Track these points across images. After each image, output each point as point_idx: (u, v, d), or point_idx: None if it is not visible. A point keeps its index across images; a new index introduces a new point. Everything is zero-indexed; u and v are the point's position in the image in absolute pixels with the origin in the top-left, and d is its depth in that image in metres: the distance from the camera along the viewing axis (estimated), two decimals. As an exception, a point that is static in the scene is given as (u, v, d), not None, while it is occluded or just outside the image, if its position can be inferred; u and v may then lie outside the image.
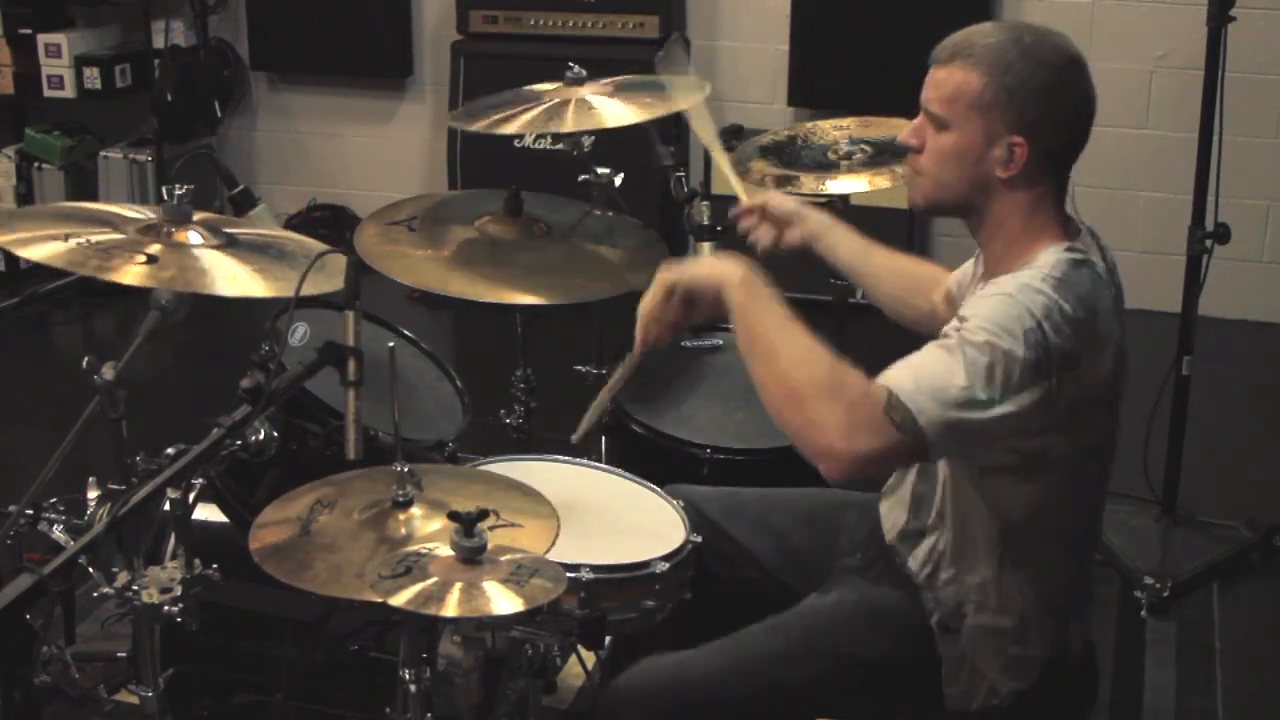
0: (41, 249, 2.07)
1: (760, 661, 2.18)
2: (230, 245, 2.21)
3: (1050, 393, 1.95)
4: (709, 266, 2.17)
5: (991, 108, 2.03)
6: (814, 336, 2.03)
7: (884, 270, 2.52)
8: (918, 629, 2.15)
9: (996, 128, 2.03)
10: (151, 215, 2.26)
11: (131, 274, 2.05)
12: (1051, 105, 2.03)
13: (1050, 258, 2.03)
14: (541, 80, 2.96)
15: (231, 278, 2.12)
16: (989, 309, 1.96)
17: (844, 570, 2.30)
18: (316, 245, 2.28)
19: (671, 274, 2.17)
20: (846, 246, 2.53)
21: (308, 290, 2.01)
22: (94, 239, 2.11)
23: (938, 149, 2.09)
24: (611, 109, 2.79)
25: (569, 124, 2.76)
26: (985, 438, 1.97)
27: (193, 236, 2.20)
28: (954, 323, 1.98)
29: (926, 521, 2.18)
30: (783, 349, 2.02)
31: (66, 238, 2.08)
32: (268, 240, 2.30)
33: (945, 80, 2.06)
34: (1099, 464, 2.14)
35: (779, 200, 2.55)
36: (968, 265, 2.33)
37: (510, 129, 2.77)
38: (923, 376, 1.94)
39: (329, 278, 2.10)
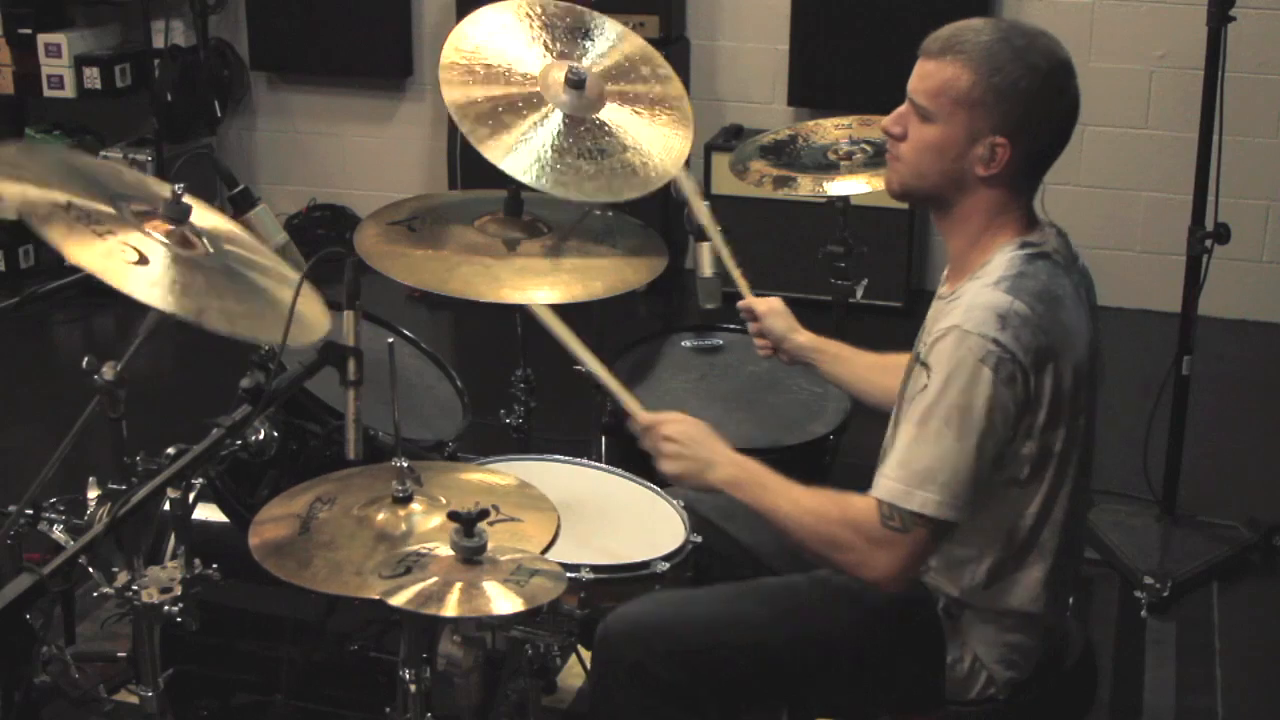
0: (22, 190, 1.91)
1: (769, 614, 2.19)
2: (199, 263, 2.04)
3: (1030, 394, 2.00)
4: (699, 475, 2.23)
5: (978, 106, 2.04)
6: (798, 492, 2.13)
7: (868, 372, 2.57)
8: (926, 614, 2.16)
9: (980, 126, 2.05)
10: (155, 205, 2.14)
11: (133, 277, 1.94)
12: (1038, 109, 2.05)
13: (1003, 258, 2.07)
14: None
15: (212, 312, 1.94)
16: (945, 356, 1.99)
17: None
18: (282, 278, 2.20)
19: (670, 473, 2.26)
20: (833, 363, 2.60)
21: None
22: (79, 202, 1.95)
23: (919, 139, 2.10)
24: (539, 163, 2.68)
25: (492, 150, 2.68)
26: (992, 469, 2.02)
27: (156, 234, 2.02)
28: (921, 379, 2.02)
29: None
30: (785, 523, 2.13)
31: (69, 208, 1.96)
32: (250, 260, 2.18)
33: (934, 73, 2.08)
34: (1083, 452, 2.14)
35: (771, 322, 2.64)
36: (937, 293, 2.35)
37: (454, 95, 2.70)
38: (909, 471, 2.01)
39: (306, 328, 2.05)
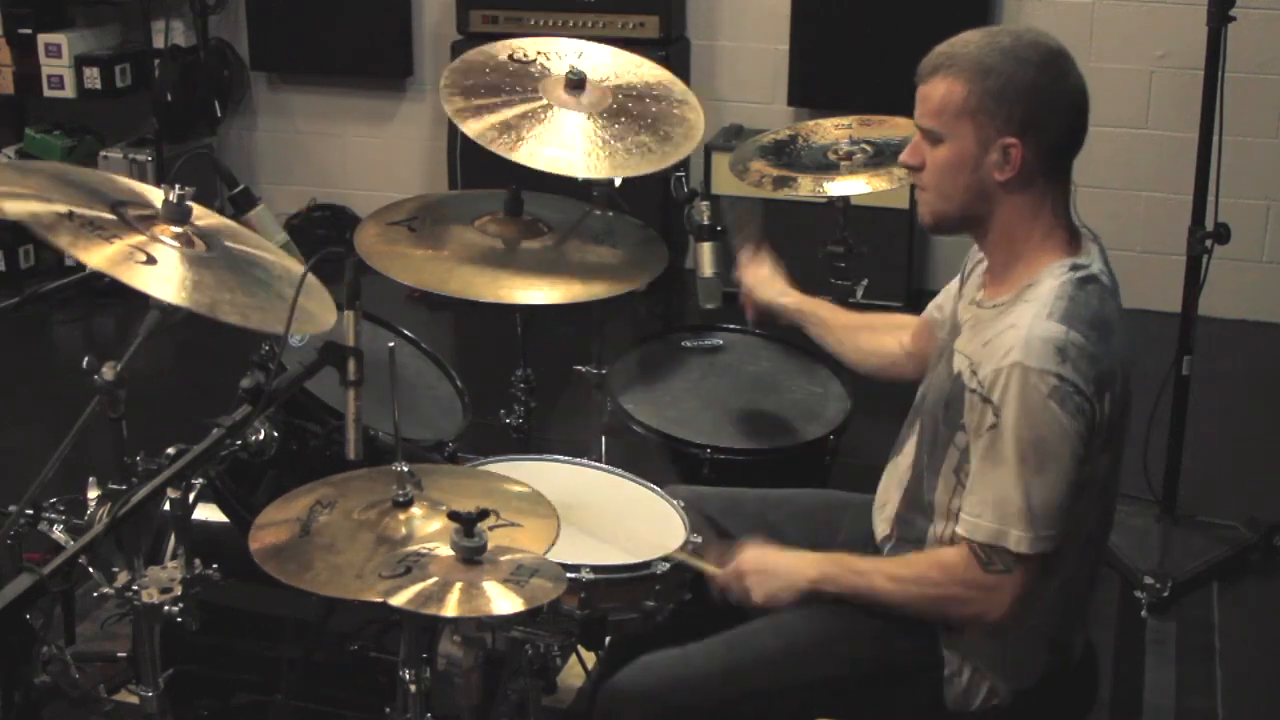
0: (36, 210, 1.94)
1: (762, 662, 2.18)
2: (206, 260, 2.07)
3: (1095, 422, 1.99)
4: (788, 587, 2.19)
5: (979, 113, 2.04)
6: (893, 568, 2.13)
7: (864, 348, 2.59)
8: (921, 629, 2.15)
9: (988, 132, 2.04)
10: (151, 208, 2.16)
11: (98, 256, 1.91)
12: (1039, 101, 2.04)
13: (1053, 283, 2.04)
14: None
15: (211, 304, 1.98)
16: (1013, 395, 1.98)
17: None
18: (287, 265, 2.22)
19: (759, 601, 2.20)
20: (817, 326, 2.64)
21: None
22: (79, 211, 1.99)
23: (935, 163, 2.10)
24: (573, 146, 2.72)
25: (521, 152, 2.69)
26: (1075, 499, 2.02)
27: (167, 238, 2.04)
28: (988, 416, 2.00)
29: (928, 532, 2.18)
30: (890, 602, 2.13)
31: (71, 215, 1.98)
32: (251, 256, 2.19)
33: (931, 94, 2.08)
34: (1115, 474, 2.15)
35: (759, 294, 2.69)
36: (951, 286, 2.34)
37: (471, 127, 2.72)
38: (999, 512, 2.00)
39: (310, 320, 2.06)
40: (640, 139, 2.77)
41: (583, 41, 2.96)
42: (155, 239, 2.01)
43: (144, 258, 1.96)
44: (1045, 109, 2.04)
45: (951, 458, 2.10)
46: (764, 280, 2.68)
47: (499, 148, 2.69)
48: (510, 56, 2.90)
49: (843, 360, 2.63)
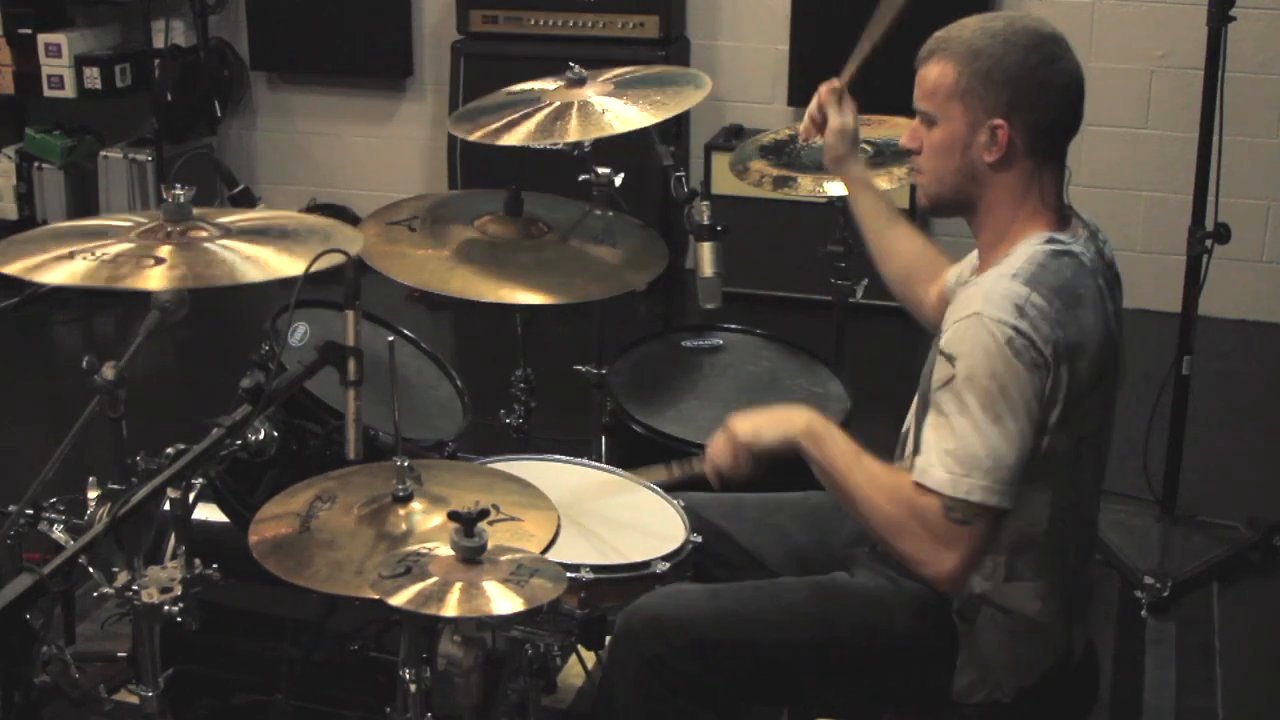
0: (55, 272, 2.02)
1: (790, 613, 2.19)
2: (232, 235, 2.17)
3: (1052, 385, 2.00)
4: (776, 426, 2.19)
5: (968, 95, 2.08)
6: (876, 467, 2.10)
7: (895, 249, 2.57)
8: (940, 616, 2.16)
9: (977, 113, 2.08)
10: (144, 220, 2.22)
11: (151, 279, 2.00)
12: (1027, 84, 2.07)
13: (1026, 250, 2.07)
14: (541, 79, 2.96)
15: (252, 262, 2.06)
16: (968, 343, 1.99)
17: (863, 558, 2.30)
18: (314, 221, 2.26)
19: (743, 434, 2.21)
20: (872, 211, 2.59)
21: (318, 268, 1.99)
22: (98, 251, 2.07)
23: (930, 145, 2.15)
24: (618, 111, 2.75)
25: (574, 132, 2.72)
26: (1030, 460, 2.02)
27: (202, 231, 2.15)
28: (946, 369, 2.01)
29: None
30: (855, 492, 2.10)
31: (71, 255, 2.05)
32: (265, 224, 2.26)
33: (926, 77, 2.14)
34: (1096, 456, 2.15)
35: (833, 140, 2.58)
36: (970, 258, 2.34)
37: (511, 139, 2.73)
38: (955, 460, 1.99)
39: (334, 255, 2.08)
40: (653, 99, 2.80)
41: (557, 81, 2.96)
42: (190, 242, 2.06)
43: (210, 254, 2.06)
44: (1033, 91, 2.07)
45: None
46: (846, 135, 2.60)
47: (554, 139, 2.73)
48: (507, 94, 2.93)
49: (878, 266, 2.59)
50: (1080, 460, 2.10)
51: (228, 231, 2.15)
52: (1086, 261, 2.09)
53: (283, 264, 2.06)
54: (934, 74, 2.12)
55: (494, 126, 2.77)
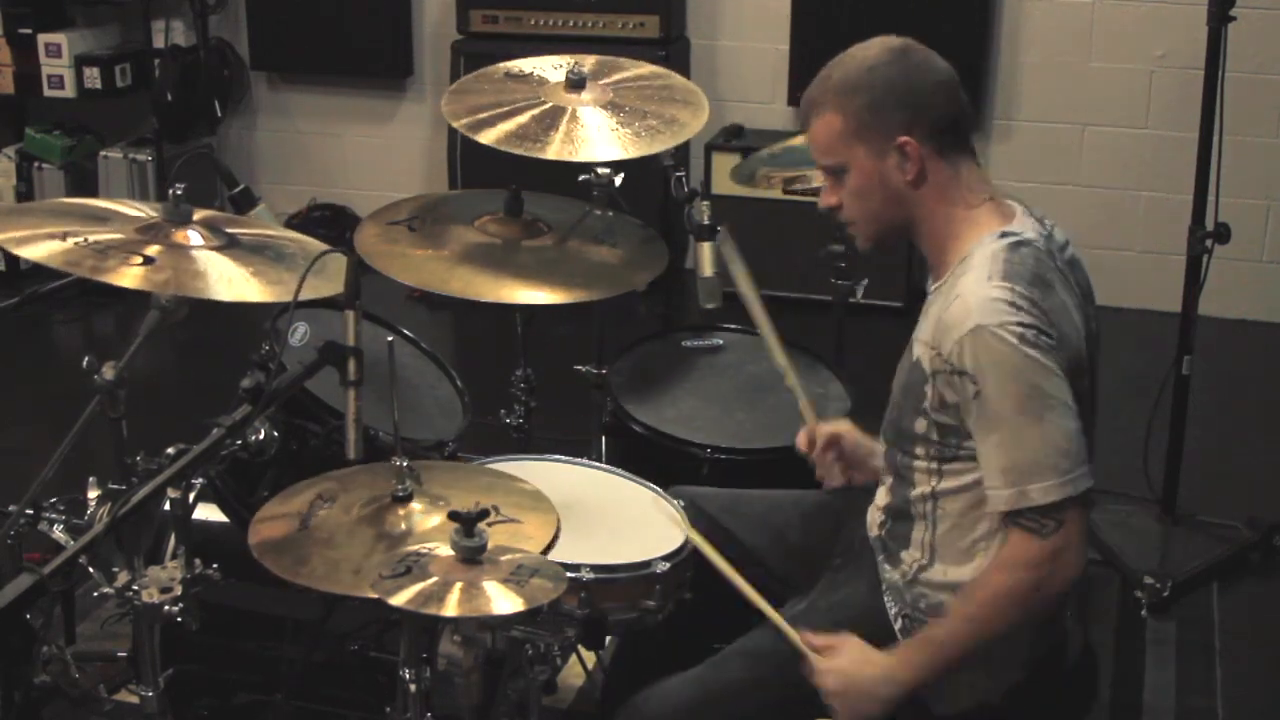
0: (39, 248, 2.06)
1: (764, 672, 2.17)
2: (230, 246, 2.20)
3: (1067, 356, 2.01)
4: (876, 711, 2.09)
5: (863, 129, 2.11)
6: (960, 611, 2.06)
7: None
8: (883, 632, 2.15)
9: (879, 143, 2.11)
10: (153, 213, 2.25)
11: (128, 276, 2.04)
12: (910, 93, 2.10)
13: (984, 251, 2.08)
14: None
15: (228, 281, 2.12)
16: (983, 355, 1.98)
17: (862, 560, 2.30)
18: (316, 245, 2.28)
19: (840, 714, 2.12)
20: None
21: (306, 292, 2.01)
22: (92, 238, 2.10)
23: (850, 192, 2.17)
24: (601, 138, 2.73)
25: (551, 150, 2.69)
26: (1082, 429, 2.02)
27: (192, 237, 2.19)
28: (968, 387, 2.00)
29: (914, 518, 2.18)
30: (983, 641, 2.06)
31: (65, 236, 2.07)
32: (267, 240, 2.30)
33: (817, 135, 2.18)
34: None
35: (854, 438, 2.46)
36: None
37: (490, 137, 2.72)
38: (1021, 469, 1.99)
39: (328, 280, 2.10)
40: (647, 123, 2.79)
41: (569, 57, 2.96)
42: (176, 245, 2.07)
43: (193, 263, 2.09)
44: (919, 97, 2.10)
45: (919, 440, 2.12)
46: (856, 435, 2.46)
47: (529, 149, 2.70)
48: (507, 74, 2.91)
49: None
50: None
51: (231, 242, 2.17)
52: (1042, 245, 2.10)
53: (255, 290, 2.11)
54: (823, 128, 2.15)
55: (481, 116, 2.76)
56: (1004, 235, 2.09)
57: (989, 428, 2.01)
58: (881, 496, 2.27)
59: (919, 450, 2.14)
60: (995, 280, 2.02)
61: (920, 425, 2.11)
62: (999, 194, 2.17)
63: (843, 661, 2.10)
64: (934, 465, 2.12)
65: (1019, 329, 1.98)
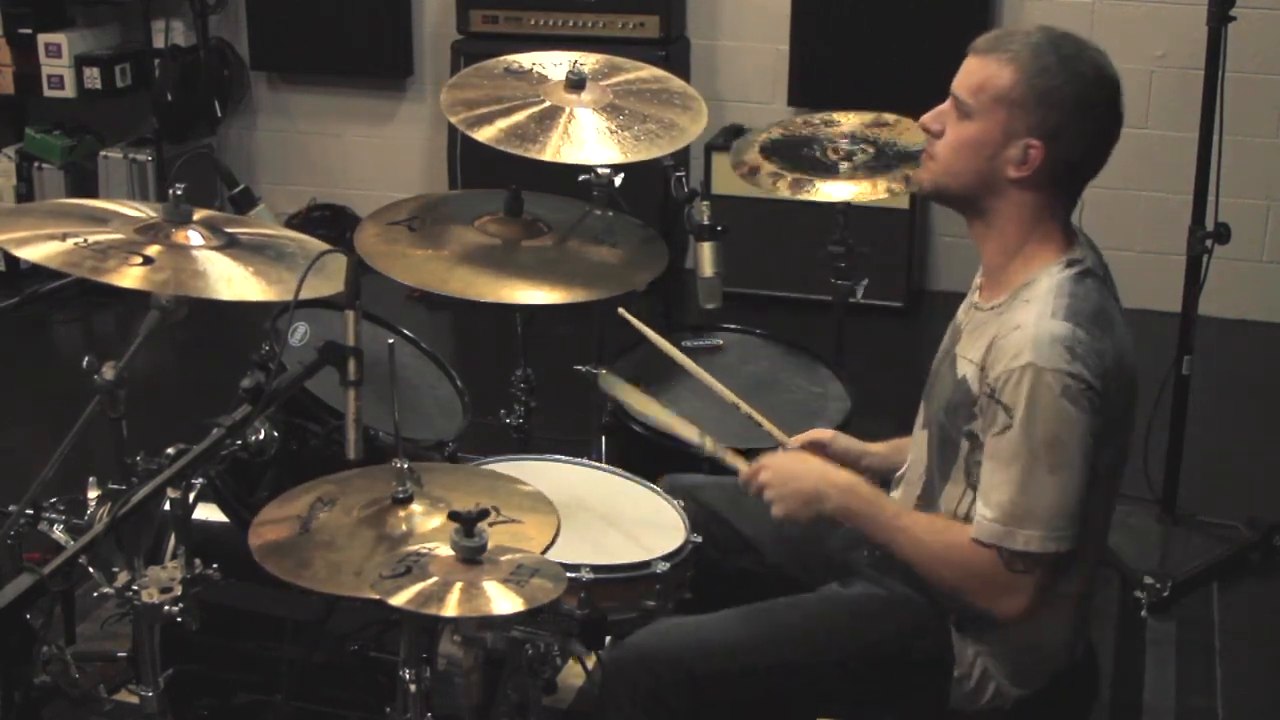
0: (38, 249, 2.06)
1: (778, 637, 2.18)
2: (230, 246, 2.20)
3: (1107, 416, 2.00)
4: (807, 506, 2.17)
5: (1016, 105, 2.03)
6: (921, 528, 2.10)
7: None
8: (936, 627, 2.15)
9: (1017, 126, 2.04)
10: (152, 214, 2.25)
11: (128, 276, 2.04)
12: (1076, 117, 2.04)
13: (1050, 281, 2.05)
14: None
15: (228, 280, 2.12)
16: (1024, 395, 1.97)
17: (859, 564, 2.30)
18: (317, 245, 2.28)
19: (776, 513, 2.20)
20: (879, 464, 2.44)
21: (307, 292, 2.01)
22: (92, 239, 2.10)
23: (956, 136, 2.09)
24: (597, 142, 2.73)
25: (546, 152, 2.69)
26: (1087, 497, 2.02)
27: (192, 237, 2.19)
28: (1000, 418, 2.00)
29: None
30: (906, 558, 2.11)
31: (64, 237, 2.07)
32: (267, 240, 2.30)
33: (978, 69, 2.07)
34: (1116, 468, 2.15)
35: (841, 444, 2.44)
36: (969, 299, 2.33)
37: (486, 134, 2.71)
38: (1014, 511, 1.99)
39: (328, 279, 2.10)
40: (646, 127, 2.78)
41: (571, 53, 2.96)
42: (176, 245, 2.07)
43: (193, 263, 2.09)
44: (1077, 125, 2.05)
45: (960, 462, 2.10)
46: (840, 437, 2.47)
47: (523, 149, 2.70)
48: (507, 69, 2.91)
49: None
50: (1113, 475, 2.11)
51: (231, 242, 2.17)
52: (1102, 274, 2.09)
53: (256, 289, 2.11)
54: (989, 70, 2.05)
55: (478, 112, 2.76)
56: (1070, 264, 2.07)
57: (1005, 461, 2.00)
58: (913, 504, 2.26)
59: (956, 469, 2.12)
60: (1059, 318, 1.99)
61: (965, 445, 2.09)
62: (1075, 226, 2.14)
63: (783, 459, 2.23)
64: (965, 483, 2.11)
65: (1069, 380, 1.96)
